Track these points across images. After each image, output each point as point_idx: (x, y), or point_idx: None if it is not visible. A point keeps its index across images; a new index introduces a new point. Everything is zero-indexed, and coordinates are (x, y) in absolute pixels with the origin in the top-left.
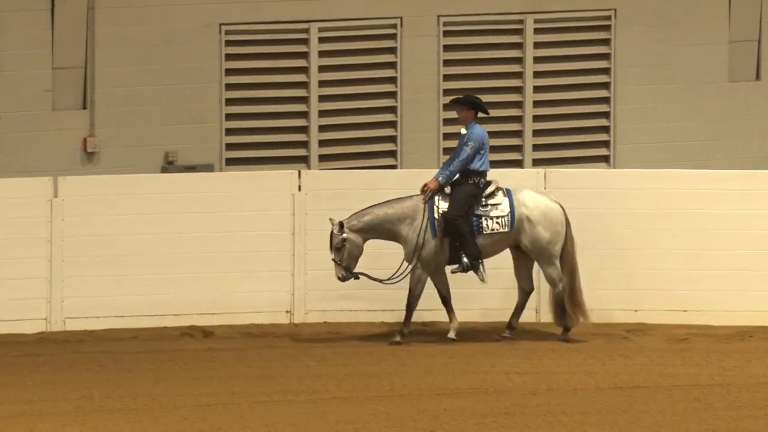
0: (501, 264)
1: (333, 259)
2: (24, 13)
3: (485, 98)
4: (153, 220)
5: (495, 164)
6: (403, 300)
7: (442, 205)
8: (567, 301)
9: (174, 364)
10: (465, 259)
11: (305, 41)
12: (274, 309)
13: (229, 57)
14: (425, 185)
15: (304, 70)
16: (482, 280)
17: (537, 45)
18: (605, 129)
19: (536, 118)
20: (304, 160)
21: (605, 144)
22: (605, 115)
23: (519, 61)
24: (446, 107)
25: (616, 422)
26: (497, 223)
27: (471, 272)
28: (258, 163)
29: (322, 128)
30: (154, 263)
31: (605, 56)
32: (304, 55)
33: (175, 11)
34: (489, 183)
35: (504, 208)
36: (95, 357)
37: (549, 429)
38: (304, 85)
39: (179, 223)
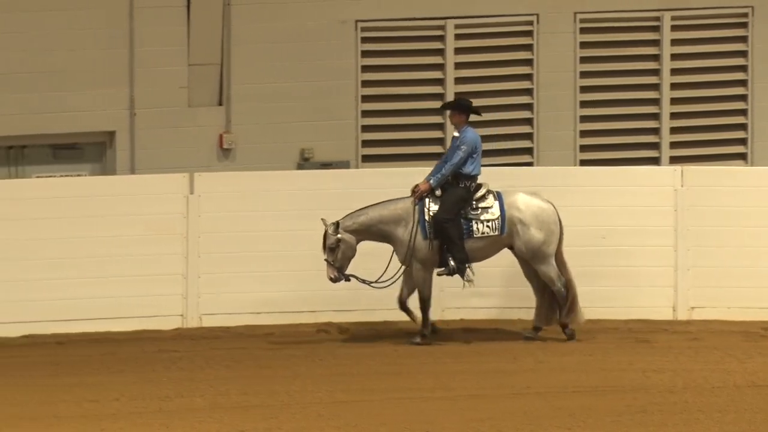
0: None
1: (326, 260)
2: (160, 9)
3: (621, 95)
4: (288, 217)
5: (632, 162)
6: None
7: (432, 208)
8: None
9: (310, 360)
10: (452, 263)
11: (441, 38)
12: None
13: (365, 54)
14: (416, 186)
15: (440, 66)
16: (467, 283)
17: (674, 42)
18: (743, 126)
19: (673, 116)
20: (440, 157)
21: (742, 141)
22: (743, 112)
23: (656, 58)
24: (438, 110)
25: (753, 420)
26: (488, 226)
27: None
28: (394, 160)
29: None
30: (290, 260)
31: (742, 53)
32: (440, 52)
33: (311, 8)
34: (479, 186)
35: (494, 212)
36: (231, 354)
37: (686, 427)
38: (440, 81)
39: (313, 220)
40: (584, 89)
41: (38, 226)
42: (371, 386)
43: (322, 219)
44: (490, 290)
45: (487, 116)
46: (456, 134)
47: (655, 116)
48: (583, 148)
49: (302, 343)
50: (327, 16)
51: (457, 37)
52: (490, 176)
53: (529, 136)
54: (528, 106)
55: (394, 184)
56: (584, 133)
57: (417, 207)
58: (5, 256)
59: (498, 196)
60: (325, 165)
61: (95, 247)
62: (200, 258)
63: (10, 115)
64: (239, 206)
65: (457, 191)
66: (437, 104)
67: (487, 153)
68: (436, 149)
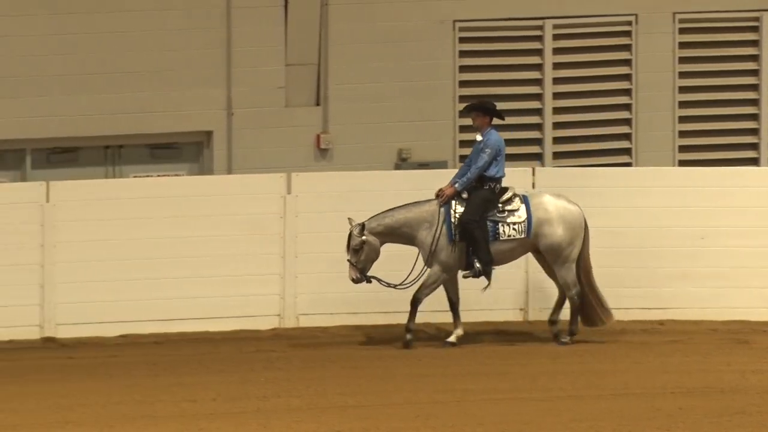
0: None
1: (349, 260)
2: (258, 9)
3: (720, 96)
4: None
5: (731, 162)
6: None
7: (458, 210)
8: (590, 304)
9: (407, 360)
10: (477, 265)
11: (539, 38)
12: (508, 307)
13: (463, 54)
14: (441, 190)
15: (538, 67)
16: (487, 287)
17: None
18: None
19: None
20: (538, 157)
21: None
22: None
23: (755, 58)
24: (462, 114)
25: None
26: (514, 229)
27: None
28: None
29: (556, 125)
30: (387, 260)
31: None
32: (539, 52)
33: (409, 8)
34: (505, 189)
35: (521, 215)
36: (328, 354)
37: None
38: (537, 81)
39: None
40: (683, 89)
41: (136, 225)
42: (468, 387)
43: (348, 218)
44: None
45: (585, 116)
46: (479, 137)
47: (755, 117)
48: (682, 149)
49: (399, 344)
50: (425, 16)
51: (555, 37)
52: (588, 177)
53: (627, 137)
54: (626, 107)
55: None
56: (683, 134)
57: (443, 210)
58: (103, 256)
59: (524, 199)
60: (423, 165)
61: (192, 247)
62: (297, 258)
63: (108, 114)
64: (336, 206)
65: (482, 193)
66: (535, 104)
67: (585, 153)
68: (534, 149)
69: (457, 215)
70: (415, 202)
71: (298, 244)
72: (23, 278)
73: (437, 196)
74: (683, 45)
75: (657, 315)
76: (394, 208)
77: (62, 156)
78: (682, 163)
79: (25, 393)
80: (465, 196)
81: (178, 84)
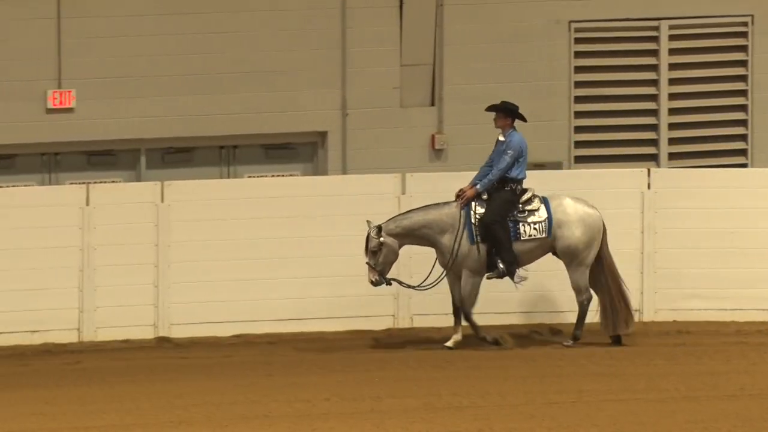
0: None
1: (367, 263)
2: (373, 10)
3: None
4: None
5: None
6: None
7: (479, 211)
8: (616, 308)
9: (522, 361)
10: (501, 265)
11: (655, 39)
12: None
13: (579, 54)
14: (461, 191)
15: (653, 67)
16: (517, 285)
17: None
18: None
19: None
20: (654, 158)
21: None
22: None
23: None
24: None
25: None
26: (535, 228)
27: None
28: (607, 161)
29: (672, 126)
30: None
31: None
32: (654, 53)
33: (524, 8)
34: (525, 190)
35: (541, 214)
36: (443, 354)
37: None
38: (653, 82)
39: None
40: None
41: (250, 226)
42: (583, 387)
43: (367, 221)
44: (706, 292)
45: (700, 117)
46: (501, 138)
47: None
48: None
49: (514, 344)
50: (540, 16)
51: (671, 38)
52: (704, 178)
53: (743, 138)
54: (742, 108)
55: (606, 185)
56: None
57: (463, 212)
58: (217, 256)
59: (544, 200)
60: (538, 166)
61: (306, 247)
62: (412, 258)
63: (222, 115)
64: None
65: (503, 194)
66: (651, 105)
67: (701, 154)
68: (649, 150)
69: (477, 216)
70: (435, 204)
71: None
72: (138, 278)
73: (457, 197)
74: None
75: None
76: (413, 209)
77: (177, 156)
78: None
79: (138, 392)
80: (485, 197)
81: (293, 84)
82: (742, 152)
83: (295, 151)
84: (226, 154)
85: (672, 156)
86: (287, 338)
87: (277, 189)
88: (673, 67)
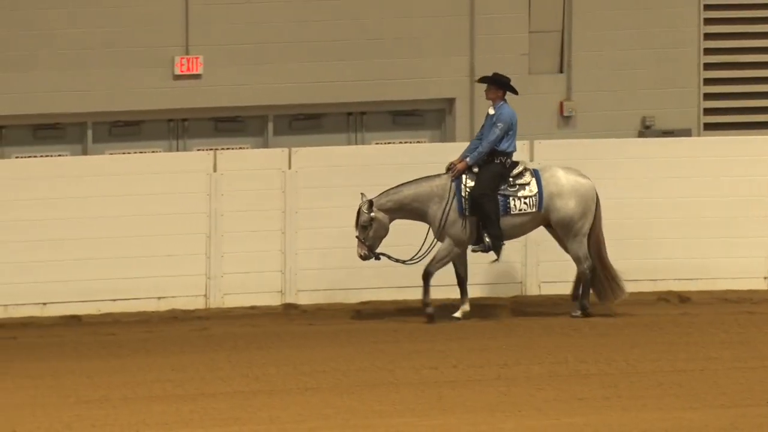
0: None
1: (357, 237)
2: None
3: None
4: (628, 186)
5: None
6: None
7: (469, 184)
8: (600, 278)
9: (650, 329)
10: (487, 239)
11: None
12: (752, 275)
13: (708, 21)
14: (452, 164)
15: None
16: (496, 260)
17: None
18: None
19: None
20: None
21: None
22: None
23: None
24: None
25: None
26: (525, 203)
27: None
28: (738, 129)
29: None
30: (629, 228)
31: None
32: None
33: None
34: (516, 164)
35: (532, 188)
36: (570, 321)
37: None
38: None
39: (652, 188)
40: None
41: (377, 192)
42: (713, 355)
43: (361, 194)
44: None
45: None
46: (491, 111)
47: None
48: None
49: (643, 312)
50: None
51: None
52: None
53: None
54: None
55: (737, 153)
56: None
57: (453, 184)
58: (343, 223)
59: (535, 173)
60: (666, 133)
61: None
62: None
63: (350, 81)
64: None
65: (493, 167)
66: None
67: None
68: None
69: (467, 189)
70: (425, 177)
71: None
72: (265, 245)
73: (448, 169)
74: None
75: None
76: (404, 183)
77: (304, 122)
78: None
79: (265, 359)
80: (475, 170)
81: (421, 51)
82: None
83: (423, 118)
84: (354, 121)
85: None
86: (413, 305)
87: (405, 156)
88: None
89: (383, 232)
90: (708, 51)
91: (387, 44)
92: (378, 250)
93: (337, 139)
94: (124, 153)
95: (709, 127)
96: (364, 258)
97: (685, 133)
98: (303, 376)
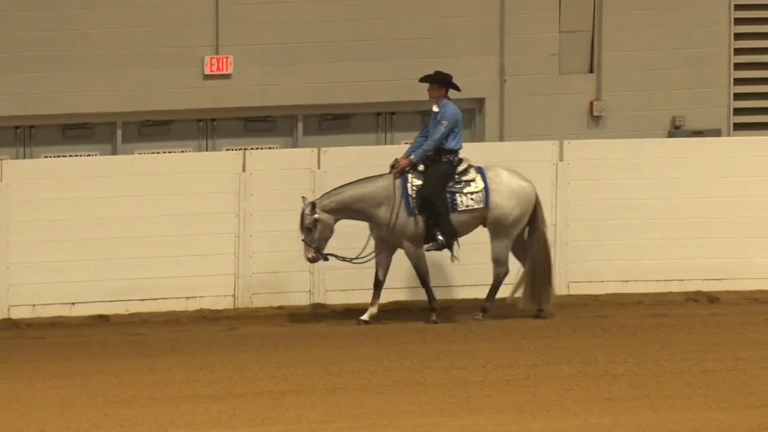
0: None
1: (303, 240)
2: None
3: None
4: (657, 186)
5: None
6: None
7: (415, 183)
8: (535, 282)
9: (679, 329)
10: (440, 237)
11: None
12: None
13: (739, 21)
14: (396, 161)
15: None
16: (454, 258)
17: None
18: None
19: None
20: None
21: None
22: None
23: None
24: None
25: None
26: (472, 199)
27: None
28: None
29: None
30: (659, 228)
31: None
32: None
33: None
34: (461, 161)
35: (478, 185)
36: (599, 321)
37: None
38: None
39: (683, 188)
40: None
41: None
42: (742, 355)
43: (302, 197)
44: None
45: None
46: (435, 109)
47: None
48: None
49: (672, 312)
50: None
51: None
52: None
53: None
54: None
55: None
56: None
57: (398, 183)
58: None
59: (480, 171)
60: (696, 133)
61: None
62: (569, 225)
63: (379, 81)
64: (608, 174)
65: (440, 166)
66: None
67: None
68: None
69: (414, 188)
70: (368, 177)
71: (569, 212)
72: (293, 245)
73: (392, 168)
74: None
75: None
76: (347, 184)
77: (334, 122)
78: None
79: (293, 359)
80: (421, 168)
81: (451, 51)
82: None
83: None
84: (383, 121)
85: None
86: (443, 305)
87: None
88: None
89: (328, 233)
90: (738, 51)
91: (416, 44)
92: (325, 251)
93: (366, 139)
94: (153, 153)
95: (739, 127)
96: (312, 260)
97: (715, 133)
98: (331, 376)
